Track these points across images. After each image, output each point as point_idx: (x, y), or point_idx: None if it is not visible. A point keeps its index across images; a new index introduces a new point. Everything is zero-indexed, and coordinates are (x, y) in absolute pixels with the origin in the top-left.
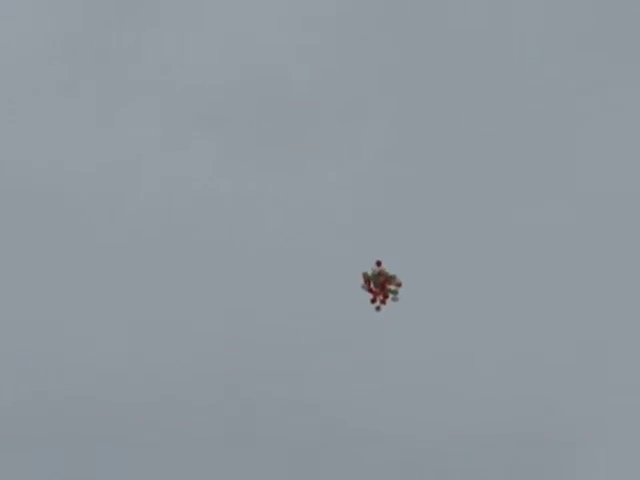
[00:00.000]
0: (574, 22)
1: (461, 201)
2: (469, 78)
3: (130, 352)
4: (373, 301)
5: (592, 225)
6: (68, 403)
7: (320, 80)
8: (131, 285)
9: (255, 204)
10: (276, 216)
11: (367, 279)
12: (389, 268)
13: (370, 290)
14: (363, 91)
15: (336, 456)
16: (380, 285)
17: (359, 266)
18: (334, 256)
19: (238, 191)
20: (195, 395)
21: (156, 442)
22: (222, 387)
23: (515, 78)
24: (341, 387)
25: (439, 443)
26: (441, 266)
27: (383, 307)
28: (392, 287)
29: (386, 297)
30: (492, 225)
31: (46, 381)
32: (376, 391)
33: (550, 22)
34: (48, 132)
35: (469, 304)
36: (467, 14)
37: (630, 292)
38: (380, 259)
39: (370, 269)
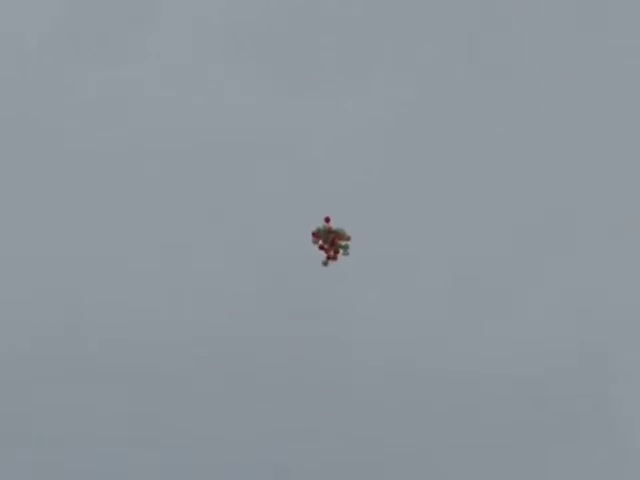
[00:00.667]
0: None
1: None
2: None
3: None
4: (328, 258)
5: None
6: None
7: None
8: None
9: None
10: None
11: (318, 235)
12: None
13: (321, 247)
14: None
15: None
16: (330, 241)
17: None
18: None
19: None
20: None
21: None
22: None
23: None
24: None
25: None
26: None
27: (332, 262)
28: (342, 242)
29: (337, 252)
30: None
31: None
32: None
33: None
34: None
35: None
36: None
37: None
38: (329, 215)
39: (321, 226)
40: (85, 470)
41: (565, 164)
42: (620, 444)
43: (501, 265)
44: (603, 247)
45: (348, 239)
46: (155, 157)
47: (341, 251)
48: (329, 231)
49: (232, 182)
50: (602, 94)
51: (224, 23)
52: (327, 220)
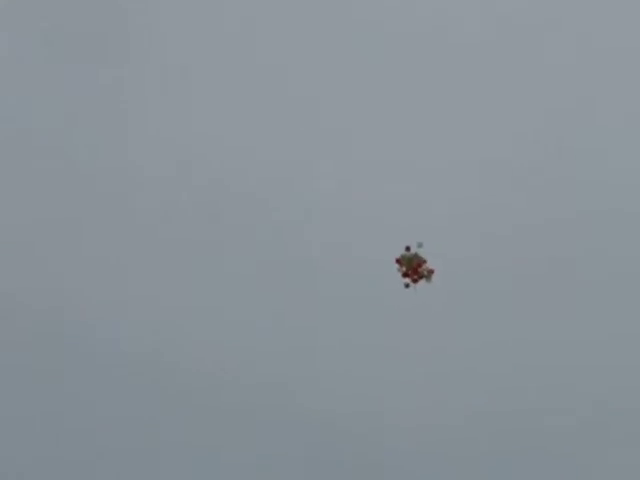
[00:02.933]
0: None
1: None
2: None
3: None
4: (407, 285)
5: None
6: None
7: None
8: None
9: None
10: None
11: (401, 262)
12: None
13: (405, 274)
14: None
15: None
16: (413, 268)
17: None
18: None
19: None
20: None
21: None
22: None
23: None
24: None
25: None
26: None
27: (413, 285)
28: (425, 272)
29: (420, 278)
30: None
31: None
32: None
33: None
34: None
35: None
36: None
37: None
38: (409, 245)
39: (401, 254)
40: None
41: None
42: None
43: None
44: None
45: (432, 272)
46: None
47: (424, 279)
48: (413, 258)
49: None
50: None
51: None
52: (407, 249)
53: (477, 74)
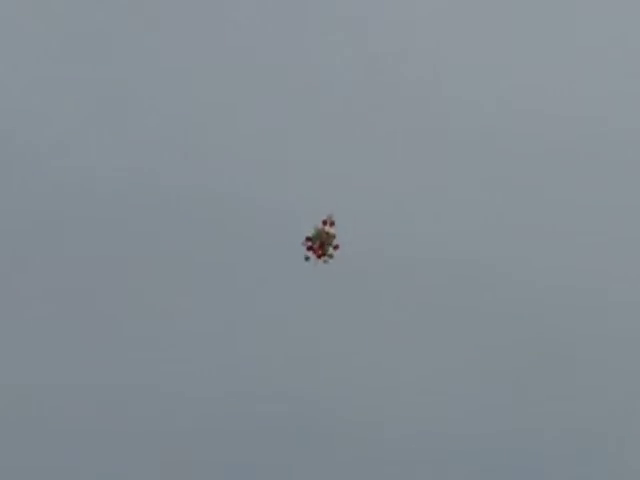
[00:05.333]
0: None
1: None
2: None
3: None
4: (307, 258)
5: None
6: None
7: None
8: None
9: None
10: None
11: (309, 239)
12: None
13: (310, 247)
14: None
15: None
16: (320, 242)
17: None
18: None
19: None
20: None
21: None
22: None
23: None
24: None
25: None
26: None
27: (316, 261)
28: (330, 249)
29: (323, 255)
30: None
31: None
32: None
33: None
34: None
35: None
36: None
37: None
38: (326, 219)
39: (314, 228)
40: None
41: None
42: None
43: None
44: None
45: (336, 248)
46: None
47: (327, 257)
48: (321, 233)
49: None
50: None
51: None
52: (324, 223)
53: None
